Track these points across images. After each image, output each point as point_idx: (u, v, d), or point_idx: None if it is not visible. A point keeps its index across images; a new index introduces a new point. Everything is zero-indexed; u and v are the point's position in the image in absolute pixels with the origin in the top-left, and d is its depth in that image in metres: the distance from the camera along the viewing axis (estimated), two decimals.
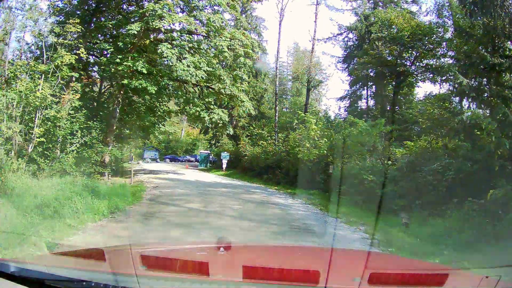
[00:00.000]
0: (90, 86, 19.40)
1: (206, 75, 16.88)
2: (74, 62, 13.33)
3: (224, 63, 21.85)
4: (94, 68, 19.29)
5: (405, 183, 10.21)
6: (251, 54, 18.54)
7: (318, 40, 28.46)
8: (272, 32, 58.86)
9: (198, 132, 50.24)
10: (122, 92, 17.93)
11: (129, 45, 16.66)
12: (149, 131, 24.67)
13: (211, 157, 43.75)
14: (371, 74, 24.37)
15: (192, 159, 55.60)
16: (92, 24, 17.44)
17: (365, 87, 27.46)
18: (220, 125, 21.22)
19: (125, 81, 15.77)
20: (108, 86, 20.92)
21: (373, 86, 27.73)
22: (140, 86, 16.07)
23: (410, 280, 2.20)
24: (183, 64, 16.07)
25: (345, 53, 27.96)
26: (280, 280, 2.06)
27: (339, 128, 18.24)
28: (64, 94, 13.31)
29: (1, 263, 1.75)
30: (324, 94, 32.60)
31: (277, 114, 30.59)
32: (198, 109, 19.76)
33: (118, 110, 17.92)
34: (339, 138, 16.53)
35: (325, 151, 16.81)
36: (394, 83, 23.12)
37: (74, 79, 14.96)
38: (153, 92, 15.96)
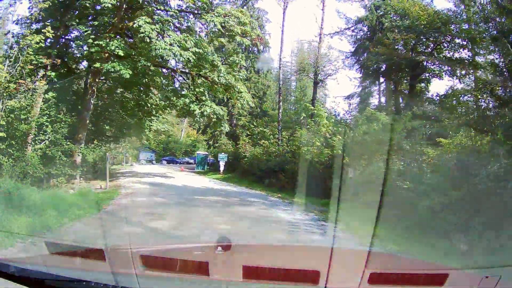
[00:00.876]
0: (76, 81, 19.21)
1: (195, 58, 15.50)
2: (41, 44, 12.49)
3: (218, 48, 20.42)
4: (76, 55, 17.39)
5: (455, 192, 8.13)
6: (249, 32, 15.32)
7: (324, 35, 27.22)
8: (276, 26, 55.11)
9: (196, 132, 46.58)
10: (97, 80, 16.45)
11: (107, 26, 15.49)
12: (136, 128, 23.65)
13: (209, 158, 41.55)
14: (384, 67, 23.20)
15: (191, 161, 54.59)
16: (68, 2, 15.64)
17: (377, 82, 25.94)
18: (214, 120, 19.11)
19: (97, 64, 14.54)
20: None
21: (385, 82, 25.87)
22: (113, 69, 14.42)
23: (410, 280, 2.11)
24: (165, 42, 14.73)
25: (355, 46, 26.66)
26: (280, 280, 2.02)
27: (355, 123, 16.31)
28: (24, 81, 12.05)
29: (1, 263, 1.75)
30: (328, 95, 28.71)
31: (280, 111, 28.35)
32: (186, 100, 17.88)
33: (92, 102, 16.37)
34: (355, 135, 15.22)
35: (340, 150, 14.87)
36: (409, 78, 21.99)
37: (49, 67, 14.34)
38: (128, 76, 14.43)
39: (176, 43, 13.81)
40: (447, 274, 2.30)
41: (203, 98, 16.50)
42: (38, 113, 12.58)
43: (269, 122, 29.79)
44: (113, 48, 13.40)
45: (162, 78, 16.86)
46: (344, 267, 2.43)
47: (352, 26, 25.50)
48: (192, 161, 52.27)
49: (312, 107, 18.77)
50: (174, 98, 16.66)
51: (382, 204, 9.01)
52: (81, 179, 13.86)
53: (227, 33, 15.20)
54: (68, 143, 13.34)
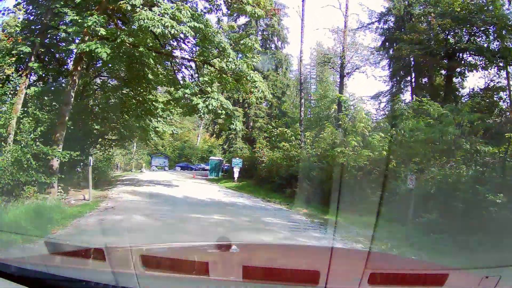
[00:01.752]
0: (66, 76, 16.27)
1: (192, 33, 13.49)
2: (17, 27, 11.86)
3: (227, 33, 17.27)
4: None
5: None
6: (263, 2, 13.12)
7: (349, 31, 24.60)
8: (294, 20, 52.16)
9: (209, 136, 43.80)
10: (79, 68, 14.33)
11: (92, 4, 13.63)
12: (139, 130, 21.77)
13: (223, 164, 38.82)
14: (415, 59, 20.95)
15: (207, 167, 51.09)
16: None
17: (409, 77, 23.69)
18: (222, 116, 16.35)
19: (73, 46, 13.05)
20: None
21: (417, 77, 23.44)
22: (87, 49, 12.14)
23: (410, 280, 2.23)
24: (153, 12, 12.18)
25: (382, 40, 24.59)
26: (280, 280, 2.10)
27: (402, 117, 13.35)
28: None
29: (1, 263, 1.82)
30: (351, 94, 25.00)
31: (302, 108, 24.74)
32: (186, 91, 15.12)
33: (72, 94, 14.15)
34: (400, 132, 12.54)
35: (385, 152, 12.61)
36: (445, 70, 20.13)
37: (33, 59, 13.31)
38: (105, 56, 12.16)
39: (168, 14, 12.29)
40: (447, 274, 2.31)
41: (209, 89, 12.52)
42: (19, 110, 12.17)
43: (290, 123, 27.55)
44: (90, 24, 11.90)
45: (154, 62, 15.48)
46: (344, 267, 2.46)
47: (377, 19, 24.22)
48: (208, 167, 49.27)
49: (345, 97, 14.87)
50: (172, 89, 13.12)
51: (471, 230, 6.98)
52: (60, 187, 12.93)
53: (235, 5, 11.59)
54: (39, 144, 11.92)
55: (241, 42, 14.42)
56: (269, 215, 11.81)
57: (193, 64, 15.82)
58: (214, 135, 40.79)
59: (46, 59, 15.56)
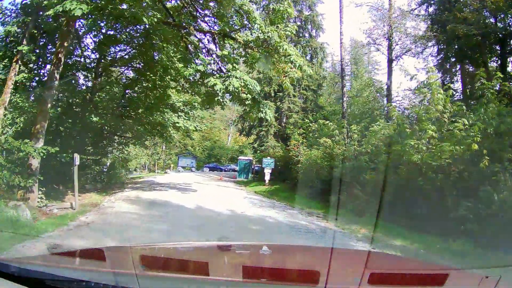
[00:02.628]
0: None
1: None
2: None
3: None
4: None
5: None
6: None
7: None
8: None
9: (239, 134, 40.85)
10: (65, 44, 11.96)
11: None
12: (149, 124, 19.18)
13: (254, 165, 35.70)
14: (468, 42, 16.52)
15: (237, 168, 40.25)
16: None
17: (459, 65, 19.50)
18: (247, 101, 12.94)
19: (50, 11, 10.09)
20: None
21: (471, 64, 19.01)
22: (61, 9, 9.67)
23: (410, 280, 2.25)
24: None
25: (429, 22, 20.54)
26: (280, 280, 2.16)
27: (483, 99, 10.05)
28: None
29: (1, 263, 1.86)
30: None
31: (345, 98, 21.57)
32: (199, 68, 12.74)
33: (57, 76, 11.62)
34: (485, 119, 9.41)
35: (476, 146, 9.02)
36: (497, 57, 16.80)
37: (25, 41, 12.03)
38: (79, 13, 9.63)
39: None
40: (447, 274, 2.37)
41: (229, 67, 12.75)
42: (7, 101, 11.12)
43: (328, 118, 23.63)
44: None
45: (161, 33, 12.94)
46: (344, 267, 2.54)
47: (419, 4, 21.17)
48: (238, 168, 45.64)
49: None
50: (182, 67, 9.62)
51: None
52: (40, 192, 11.12)
53: None
54: (7, 138, 10.18)
55: (270, 7, 10.75)
56: (314, 238, 9.23)
57: (210, 38, 12.35)
58: (244, 133, 37.97)
59: (42, 42, 14.62)
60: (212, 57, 12.96)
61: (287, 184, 21.45)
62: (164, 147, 55.41)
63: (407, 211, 10.46)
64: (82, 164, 17.91)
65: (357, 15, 70.97)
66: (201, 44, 14.07)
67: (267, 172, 24.29)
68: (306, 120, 24.73)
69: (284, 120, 32.43)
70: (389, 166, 12.12)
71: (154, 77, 15.19)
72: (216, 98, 12.98)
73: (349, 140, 16.97)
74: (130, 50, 16.91)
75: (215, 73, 12.19)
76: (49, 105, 11.49)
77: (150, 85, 16.61)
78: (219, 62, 12.48)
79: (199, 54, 12.92)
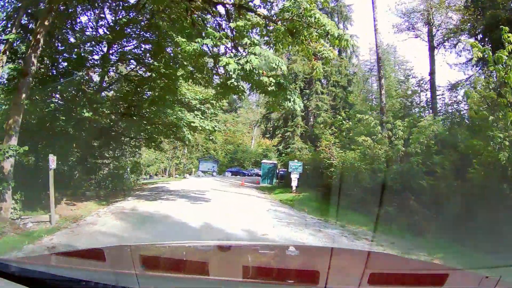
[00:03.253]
0: None
1: None
2: None
3: None
4: None
5: None
6: None
7: None
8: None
9: (262, 136, 38.67)
10: (46, 23, 10.35)
11: None
12: (159, 123, 17.52)
13: (279, 169, 33.25)
14: None
15: (261, 172, 37.43)
16: None
17: None
18: (271, 86, 10.64)
19: None
20: None
21: None
22: None
23: (410, 280, 2.27)
24: None
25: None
26: (280, 280, 2.21)
27: None
28: None
29: (1, 263, 1.88)
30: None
31: (383, 91, 17.92)
32: (207, 41, 10.24)
33: (34, 60, 10.19)
34: None
35: None
36: None
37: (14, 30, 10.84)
38: None
39: None
40: (447, 274, 2.41)
41: (245, 41, 10.30)
42: None
43: (366, 112, 20.80)
44: None
45: None
46: (344, 267, 2.56)
47: None
48: (261, 172, 44.56)
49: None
50: (183, 42, 6.86)
51: None
52: (14, 201, 9.65)
53: None
54: None
55: None
56: None
57: (222, 10, 10.00)
58: (268, 135, 35.32)
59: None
60: (225, 31, 10.44)
61: (318, 192, 19.06)
62: (185, 151, 53.60)
63: (486, 230, 7.81)
64: (85, 168, 16.15)
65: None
66: (212, 20, 11.79)
67: (294, 178, 22.55)
68: (339, 117, 21.91)
69: (311, 119, 31.21)
70: (454, 168, 10.23)
71: (158, 64, 12.96)
72: (229, 82, 10.29)
73: (393, 138, 14.23)
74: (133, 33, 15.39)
75: (229, 51, 9.76)
76: (24, 96, 10.18)
77: (154, 74, 15.36)
78: (233, 39, 9.95)
79: (207, 27, 10.45)
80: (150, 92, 16.04)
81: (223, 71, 11.30)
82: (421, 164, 11.74)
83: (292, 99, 11.16)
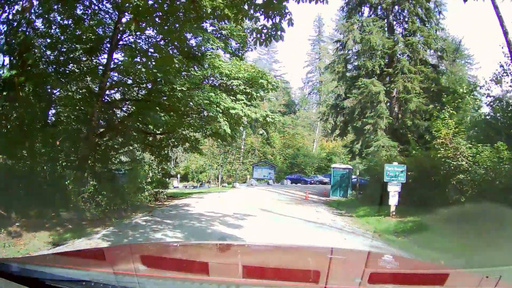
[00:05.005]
0: None
1: None
2: None
3: None
4: None
5: None
6: None
7: None
8: None
9: (329, 131, 31.58)
10: None
11: None
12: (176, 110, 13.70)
13: (354, 177, 25.22)
14: None
15: (326, 180, 39.46)
16: None
17: None
18: None
19: None
20: None
21: None
22: None
23: (410, 280, 2.28)
24: None
25: None
26: (280, 280, 2.25)
27: None
28: None
29: (1, 263, 1.95)
30: None
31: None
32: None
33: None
34: None
35: None
36: None
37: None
38: None
39: None
40: (447, 274, 2.40)
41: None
42: None
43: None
44: None
45: None
46: (344, 267, 2.65)
47: None
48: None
49: None
50: None
51: None
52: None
53: None
54: None
55: None
56: None
57: None
58: (337, 131, 27.45)
59: None
60: None
61: (435, 214, 12.05)
62: (241, 157, 46.16)
63: None
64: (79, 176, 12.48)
65: None
66: None
67: (394, 192, 14.60)
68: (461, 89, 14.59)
69: (395, 108, 25.90)
70: None
71: None
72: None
73: None
74: None
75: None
76: None
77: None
78: None
79: None
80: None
81: None
82: None
83: None
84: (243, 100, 14.11)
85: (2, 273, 1.74)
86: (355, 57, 27.51)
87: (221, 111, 13.39)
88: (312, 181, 42.38)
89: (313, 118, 71.26)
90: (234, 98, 14.24)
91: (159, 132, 16.75)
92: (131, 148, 17.06)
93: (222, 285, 1.93)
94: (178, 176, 57.08)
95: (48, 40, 12.31)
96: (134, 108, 14.57)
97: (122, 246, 3.77)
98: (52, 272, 1.81)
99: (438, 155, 13.18)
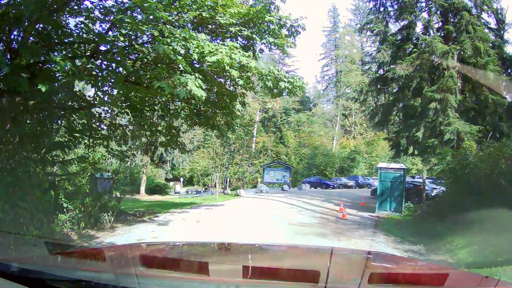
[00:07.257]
0: None
1: None
2: None
3: None
4: None
5: None
6: None
7: None
8: None
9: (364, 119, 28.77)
10: None
11: None
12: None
13: (411, 181, 20.00)
14: None
15: (351, 183, 33.38)
16: None
17: None
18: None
19: None
20: None
21: None
22: None
23: (410, 280, 2.41)
24: None
25: None
26: (280, 280, 2.36)
27: None
28: None
29: (1, 263, 2.03)
30: None
31: None
32: None
33: None
34: None
35: None
36: None
37: None
38: None
39: None
40: (447, 274, 2.44)
41: None
42: None
43: None
44: None
45: None
46: (344, 267, 2.76)
47: None
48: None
49: None
50: None
51: None
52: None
53: None
54: None
55: None
56: None
57: None
58: (377, 119, 20.07)
59: None
60: None
61: None
62: (250, 156, 41.71)
63: None
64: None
65: None
66: None
67: None
68: None
69: (459, 80, 17.61)
70: None
71: None
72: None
73: None
74: None
75: None
76: None
77: None
78: None
79: None
80: None
81: None
82: None
83: None
84: (237, 47, 8.73)
85: (2, 273, 1.76)
86: (397, 14, 19.95)
87: (193, 58, 8.05)
88: (335, 185, 35.52)
89: (332, 113, 66.43)
90: (222, 43, 9.40)
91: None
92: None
93: (222, 285, 1.98)
94: (181, 180, 51.36)
95: None
96: None
97: (122, 246, 3.65)
98: (52, 272, 1.83)
99: None
